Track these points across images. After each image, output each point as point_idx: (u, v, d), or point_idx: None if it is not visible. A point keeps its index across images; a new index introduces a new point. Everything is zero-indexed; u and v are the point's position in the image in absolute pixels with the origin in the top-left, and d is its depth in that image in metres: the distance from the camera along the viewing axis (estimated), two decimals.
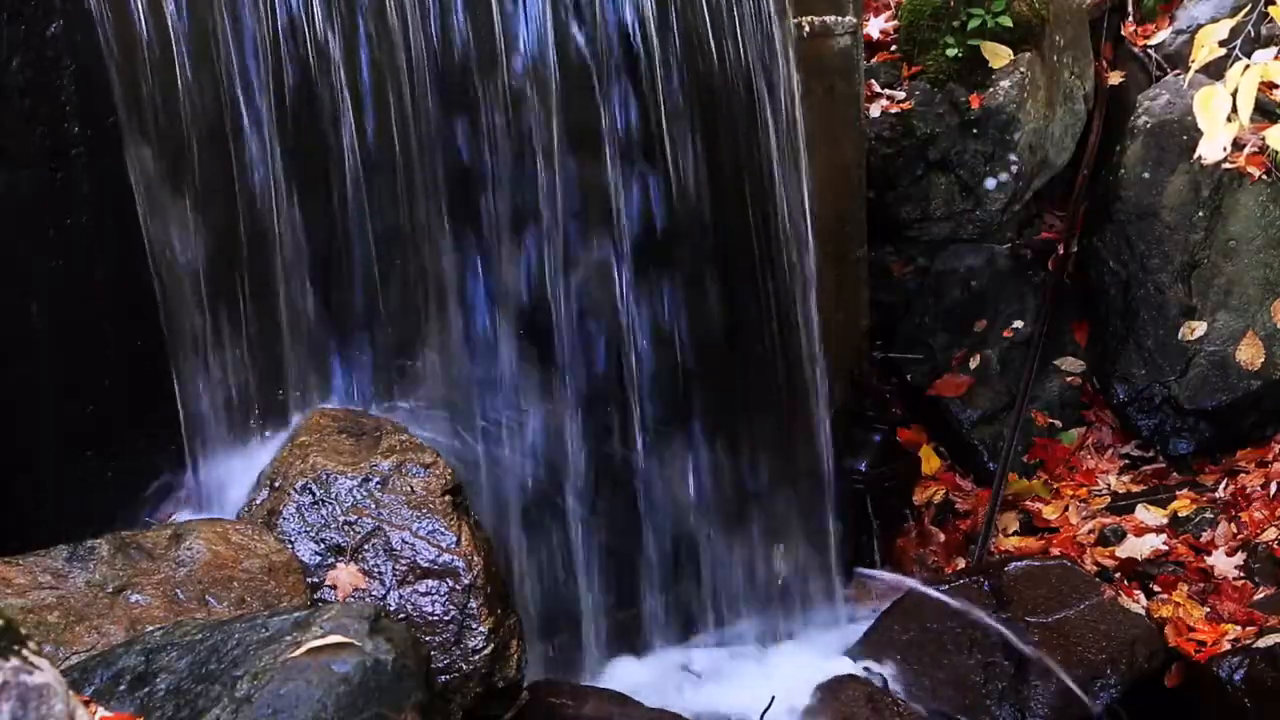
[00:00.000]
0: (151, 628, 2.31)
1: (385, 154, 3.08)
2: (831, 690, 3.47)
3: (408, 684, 1.98)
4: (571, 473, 3.50)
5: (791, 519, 3.96)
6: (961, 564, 4.43)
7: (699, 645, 3.81)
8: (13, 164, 2.62)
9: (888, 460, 4.45)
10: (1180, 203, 4.79)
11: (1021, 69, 4.82)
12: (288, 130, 2.95)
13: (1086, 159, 5.18)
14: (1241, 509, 4.37)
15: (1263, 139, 3.37)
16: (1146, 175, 4.85)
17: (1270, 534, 4.20)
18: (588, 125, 3.36)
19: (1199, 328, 4.69)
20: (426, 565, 2.69)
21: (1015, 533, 4.54)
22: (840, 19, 4.19)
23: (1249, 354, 4.60)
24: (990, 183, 4.87)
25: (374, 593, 2.66)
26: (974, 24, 4.77)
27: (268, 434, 2.99)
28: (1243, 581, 4.11)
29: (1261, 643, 3.58)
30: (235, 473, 2.92)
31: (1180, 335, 4.70)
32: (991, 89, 4.80)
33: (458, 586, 2.68)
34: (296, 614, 2.12)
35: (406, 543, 2.71)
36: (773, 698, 3.41)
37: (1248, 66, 2.52)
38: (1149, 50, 5.24)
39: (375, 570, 2.69)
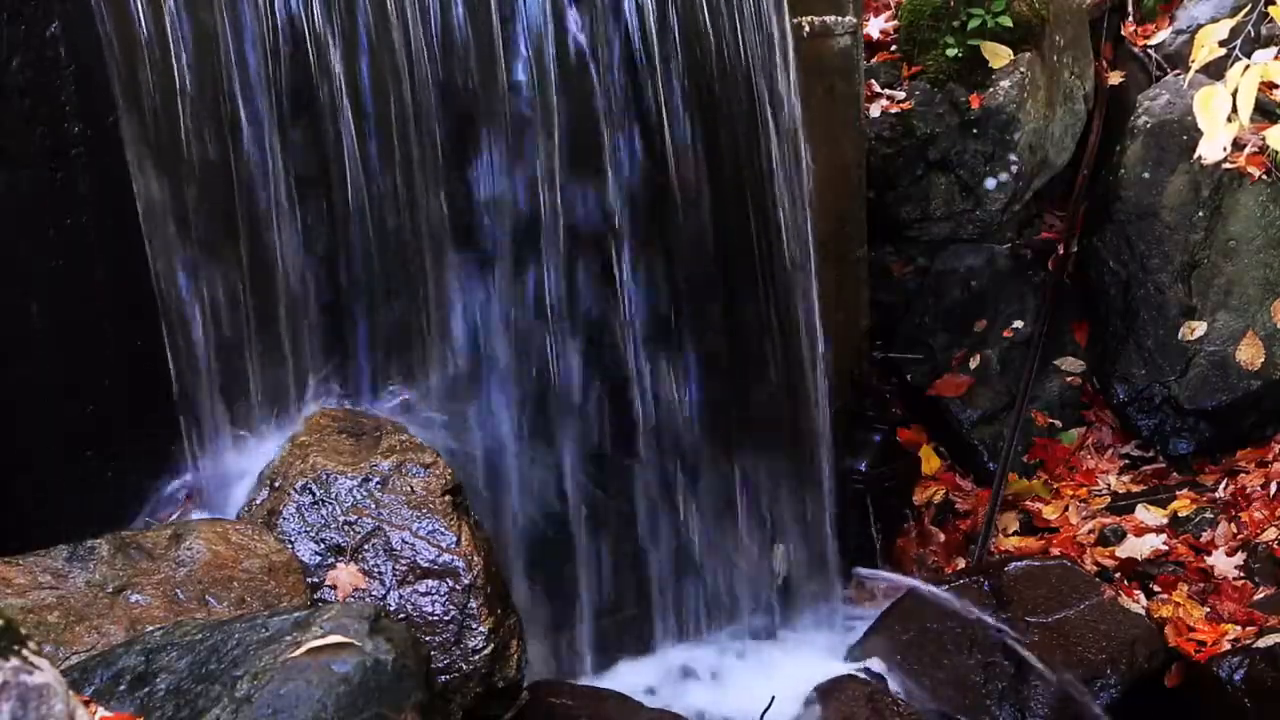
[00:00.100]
0: (151, 628, 2.31)
1: (385, 153, 3.08)
2: (831, 690, 3.47)
3: (408, 684, 1.98)
4: (571, 473, 3.50)
5: (791, 519, 3.96)
6: (961, 564, 4.43)
7: (699, 645, 3.81)
8: (13, 164, 2.62)
9: (888, 460, 4.45)
10: (1180, 203, 4.79)
11: (1021, 69, 4.82)
12: (288, 130, 2.95)
13: (1086, 159, 5.19)
14: (1241, 509, 4.38)
15: (1263, 139, 3.38)
16: (1146, 175, 4.85)
17: (1270, 534, 4.20)
18: (587, 125, 3.36)
19: (1199, 328, 4.69)
20: (426, 565, 2.69)
21: (1015, 533, 4.54)
22: (840, 19, 4.19)
23: (1249, 354, 4.60)
24: (990, 183, 4.87)
25: (374, 593, 2.66)
26: (974, 24, 4.77)
27: (268, 434, 2.99)
28: (1243, 581, 4.11)
29: (1261, 643, 3.58)
30: (235, 473, 2.92)
31: (1180, 335, 4.71)
32: (991, 89, 4.81)
33: (458, 586, 2.68)
34: (296, 614, 2.12)
35: (406, 543, 2.71)
36: (773, 698, 3.41)
37: (1248, 66, 2.52)
38: (1149, 50, 5.24)
39: (375, 570, 2.69)
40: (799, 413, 3.92)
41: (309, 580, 2.65)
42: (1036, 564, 3.99)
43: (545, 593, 3.48)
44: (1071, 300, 5.01)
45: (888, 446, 4.48)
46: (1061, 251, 5.05)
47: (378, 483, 2.79)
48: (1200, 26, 3.09)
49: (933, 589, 3.89)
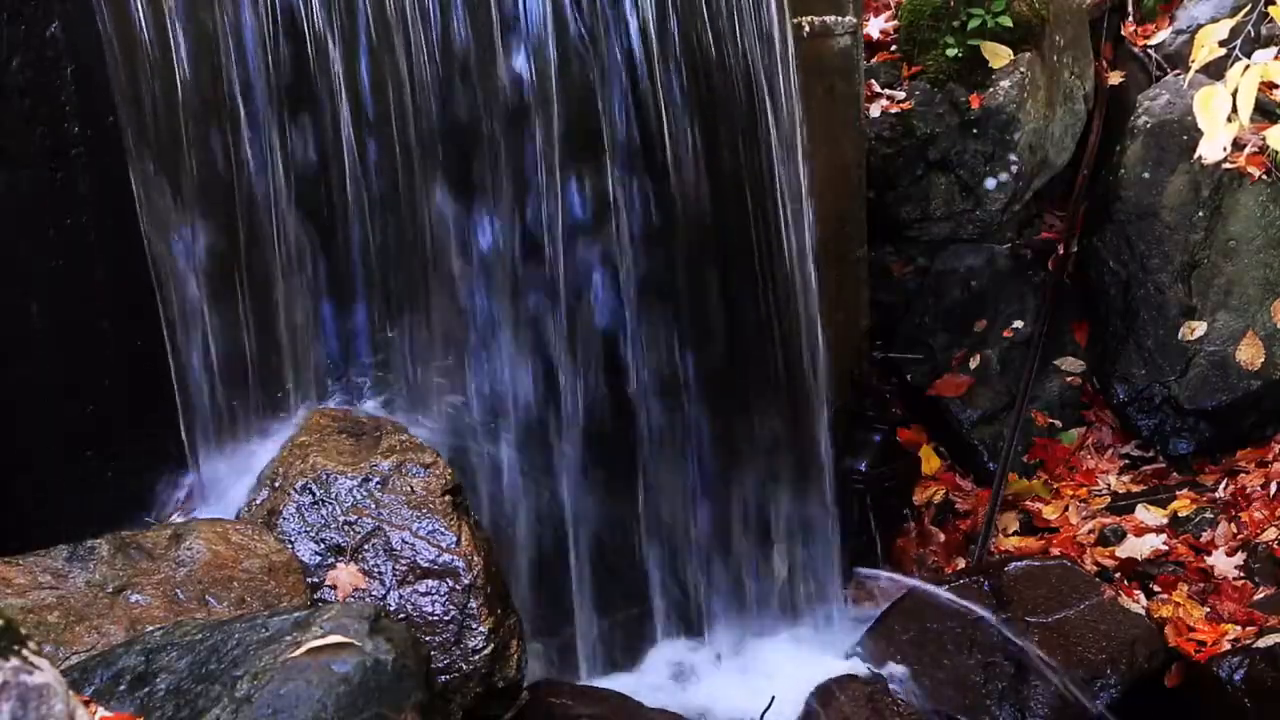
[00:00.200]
0: (151, 628, 2.31)
1: (385, 153, 3.08)
2: (831, 690, 3.47)
3: (408, 684, 1.98)
4: (570, 473, 3.50)
5: (791, 519, 3.96)
6: (961, 564, 4.43)
7: (699, 645, 3.81)
8: (13, 164, 2.62)
9: (888, 460, 4.45)
10: (1180, 203, 4.79)
11: (1021, 69, 4.82)
12: (287, 129, 2.95)
13: (1086, 159, 5.19)
14: (1241, 509, 4.38)
15: (1263, 139, 3.38)
16: (1146, 175, 4.85)
17: (1270, 534, 4.21)
18: (587, 125, 3.36)
19: (1199, 328, 4.69)
20: (426, 565, 2.69)
21: (1015, 533, 4.54)
22: (840, 19, 4.19)
23: (1249, 354, 4.60)
24: (990, 183, 4.87)
25: (374, 593, 2.66)
26: (974, 24, 4.78)
27: (268, 434, 2.99)
28: (1243, 581, 4.11)
29: (1261, 643, 3.58)
30: (235, 473, 2.92)
31: (1180, 335, 4.71)
32: (991, 89, 4.81)
33: (458, 586, 2.68)
34: (296, 614, 2.12)
35: (406, 543, 2.71)
36: (773, 698, 3.41)
37: (1248, 66, 2.52)
38: (1149, 50, 5.24)
39: (375, 570, 2.69)
40: (799, 413, 3.91)
41: (309, 580, 2.65)
42: (1036, 564, 3.99)
43: (545, 593, 3.48)
44: (1071, 300, 5.01)
45: (888, 446, 4.48)
46: (1061, 251, 5.05)
47: (378, 483, 2.79)
48: (1200, 26, 3.09)
49: (933, 589, 3.89)
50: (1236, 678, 3.52)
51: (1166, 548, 4.29)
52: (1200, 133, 2.58)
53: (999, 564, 4.03)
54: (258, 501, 2.80)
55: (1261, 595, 4.03)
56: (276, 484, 2.80)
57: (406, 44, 3.05)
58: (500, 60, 3.20)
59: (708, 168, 3.56)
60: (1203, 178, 4.75)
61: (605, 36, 3.33)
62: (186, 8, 2.77)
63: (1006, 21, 4.77)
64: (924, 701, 3.56)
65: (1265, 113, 4.32)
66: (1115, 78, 5.27)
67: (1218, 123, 2.53)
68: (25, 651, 1.37)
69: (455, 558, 2.70)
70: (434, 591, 2.67)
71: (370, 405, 3.12)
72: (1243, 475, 4.53)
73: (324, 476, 2.79)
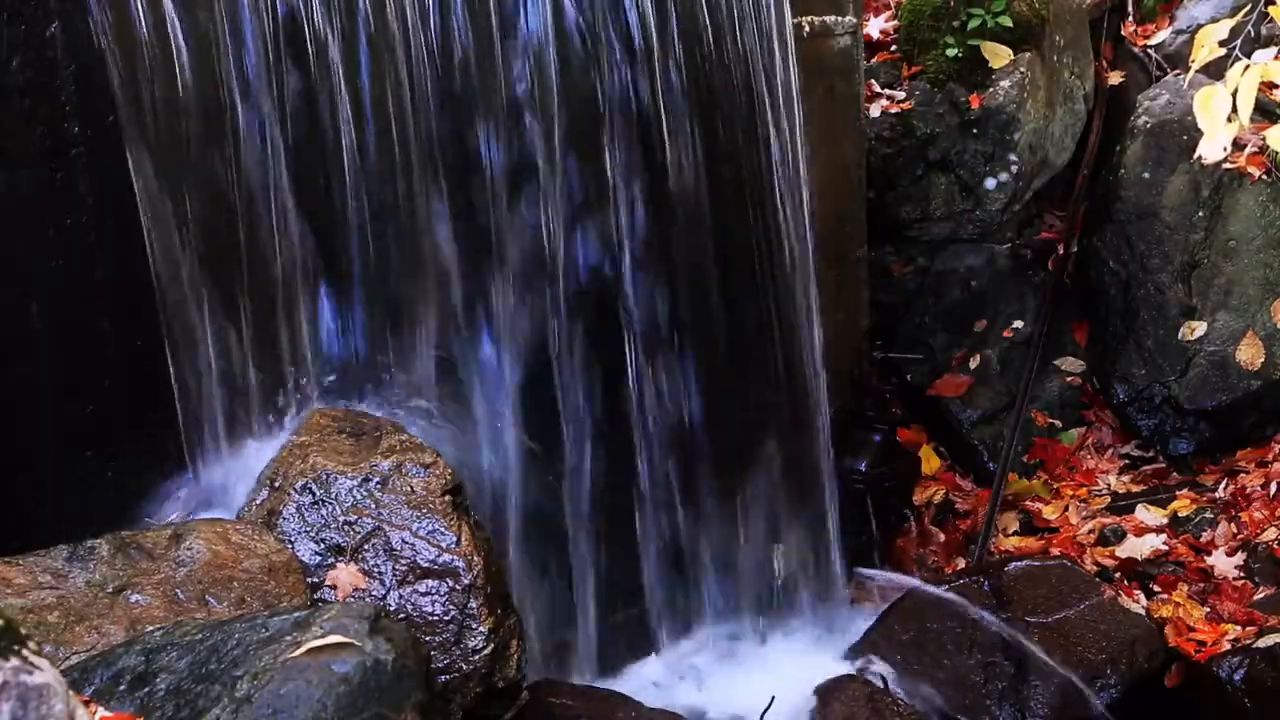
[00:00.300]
0: (151, 628, 2.31)
1: (385, 154, 3.08)
2: (831, 690, 3.47)
3: (408, 684, 1.98)
4: (570, 472, 3.50)
5: (791, 519, 3.96)
6: (961, 564, 4.43)
7: (699, 645, 3.81)
8: (13, 164, 2.62)
9: (888, 460, 4.45)
10: (1180, 203, 4.79)
11: (1021, 69, 4.82)
12: (288, 129, 2.95)
13: (1086, 159, 5.19)
14: (1241, 509, 4.38)
15: (1263, 139, 3.37)
16: (1146, 175, 4.85)
17: (1270, 534, 4.21)
18: (588, 126, 3.36)
19: (1199, 328, 4.69)
20: (426, 565, 2.69)
21: (1015, 533, 4.54)
22: (840, 19, 4.20)
23: (1249, 354, 4.60)
24: (990, 183, 4.87)
25: (374, 593, 2.66)
26: (974, 24, 4.78)
27: (268, 434, 2.99)
28: (1243, 581, 4.11)
29: (1261, 643, 3.58)
30: (235, 473, 2.92)
31: (1180, 335, 4.71)
32: (991, 89, 4.81)
33: (458, 586, 2.68)
34: (296, 614, 2.12)
35: (406, 543, 2.71)
36: (773, 698, 3.41)
37: (1248, 66, 2.52)
38: (1149, 50, 5.24)
39: (375, 570, 2.69)
40: (799, 413, 3.92)
41: (309, 580, 2.65)
42: (1036, 564, 3.99)
43: (546, 593, 3.48)
44: (1071, 300, 5.01)
45: (888, 446, 4.48)
46: (1061, 251, 5.05)
47: (378, 483, 2.79)
48: (1200, 26, 3.09)
49: (933, 589, 3.89)
50: (1236, 678, 3.52)
51: (1166, 548, 4.29)
52: (1200, 133, 2.58)
53: (999, 564, 4.03)
54: (258, 501, 2.80)
55: (1261, 595, 4.03)
56: (276, 484, 2.80)
57: (406, 44, 3.05)
58: (500, 59, 3.20)
59: (708, 168, 3.56)
60: (1203, 178, 4.75)
61: (605, 36, 3.32)
62: (186, 7, 2.77)
63: (1006, 21, 4.77)
64: (924, 701, 3.56)
65: (1265, 113, 4.32)
66: (1115, 78, 5.27)
67: (1218, 123, 2.53)
68: (25, 651, 1.37)
69: (455, 558, 2.70)
70: (434, 591, 2.67)
71: (370, 405, 3.12)
72: (1243, 475, 4.53)
73: (324, 476, 2.79)
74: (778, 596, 3.97)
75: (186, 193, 2.84)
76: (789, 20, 3.67)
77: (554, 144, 3.30)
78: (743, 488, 3.84)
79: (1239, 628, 3.85)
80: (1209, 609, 4.01)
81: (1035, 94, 4.86)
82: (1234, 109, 2.52)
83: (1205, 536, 4.31)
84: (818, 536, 4.00)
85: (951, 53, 4.81)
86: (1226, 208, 4.75)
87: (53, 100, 2.65)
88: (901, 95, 4.86)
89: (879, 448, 4.44)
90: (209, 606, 2.47)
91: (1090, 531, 4.42)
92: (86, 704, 1.66)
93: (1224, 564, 4.17)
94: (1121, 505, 4.53)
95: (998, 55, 4.81)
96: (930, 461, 4.73)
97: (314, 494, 2.77)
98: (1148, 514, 4.43)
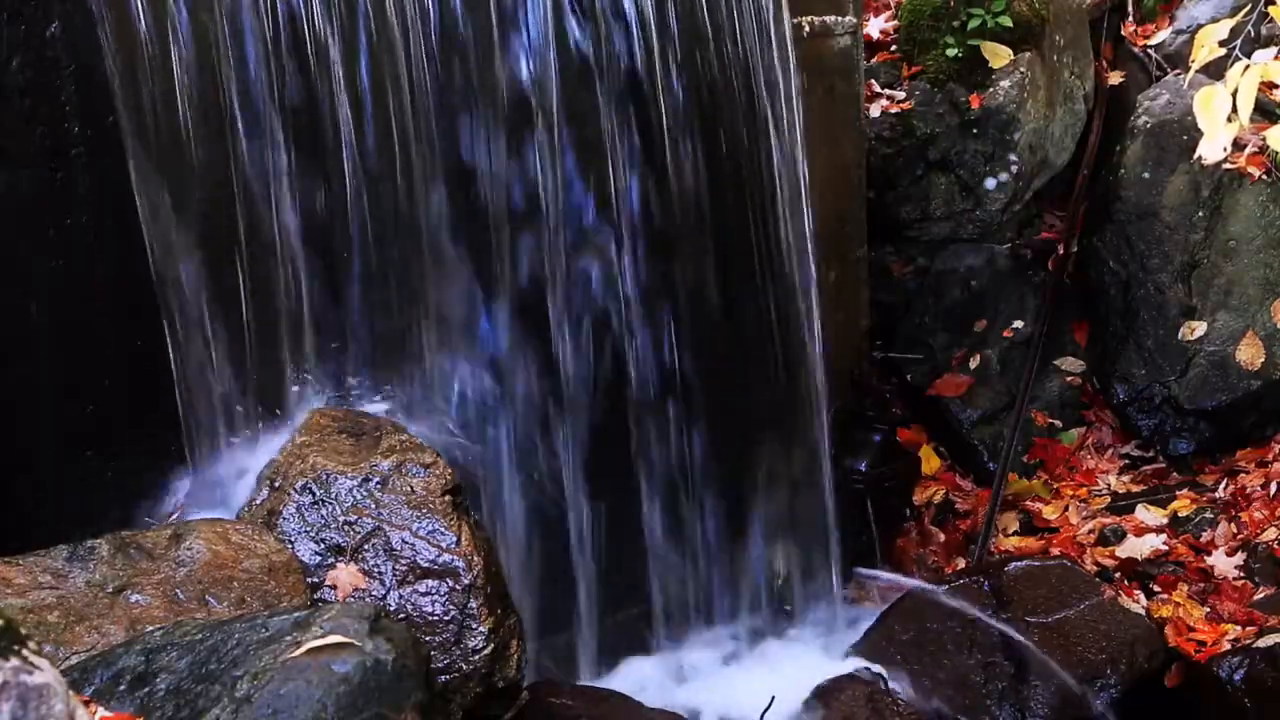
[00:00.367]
0: (151, 628, 2.31)
1: (385, 154, 3.08)
2: (831, 690, 3.47)
3: (408, 684, 1.98)
4: (570, 472, 3.50)
5: (791, 519, 3.96)
6: (961, 564, 4.43)
7: (699, 645, 3.81)
8: (13, 164, 2.62)
9: (888, 460, 4.45)
10: (1180, 203, 4.79)
11: (1021, 69, 4.82)
12: (288, 129, 2.95)
13: (1086, 159, 5.19)
14: (1241, 509, 4.38)
15: (1263, 139, 3.38)
16: (1146, 175, 4.85)
17: (1270, 534, 4.20)
18: (587, 124, 3.36)
19: (1199, 328, 4.69)
20: (426, 565, 2.69)
21: (1015, 533, 4.54)
22: (840, 19, 4.20)
23: (1249, 354, 4.60)
24: (990, 183, 4.87)
25: (374, 593, 2.66)
26: (974, 24, 4.77)
27: (268, 434, 2.99)
28: (1243, 581, 4.11)
29: (1261, 643, 3.58)
30: (235, 473, 2.92)
31: (1180, 335, 4.71)
32: (991, 89, 4.81)
33: (458, 586, 2.68)
34: (296, 614, 2.12)
35: (406, 543, 2.71)
36: (773, 698, 3.41)
37: (1248, 66, 2.52)
38: (1149, 50, 5.24)
39: (375, 570, 2.69)
40: (799, 412, 3.92)
41: (309, 580, 2.65)
42: (1036, 564, 3.99)
43: (545, 593, 3.48)
44: (1071, 300, 5.01)
45: (888, 446, 4.48)
46: (1061, 251, 5.05)
47: (378, 483, 2.79)
48: (1200, 26, 3.09)
49: (933, 589, 3.89)
50: (1236, 678, 3.52)
51: (1166, 548, 4.28)
52: (1200, 133, 2.58)
53: (999, 564, 4.03)
54: (258, 501, 2.80)
55: (1261, 595, 4.03)
56: (276, 484, 2.80)
57: (406, 43, 3.05)
58: (499, 59, 3.20)
59: (708, 167, 3.56)
60: (1203, 178, 4.75)
61: (605, 36, 3.33)
62: (186, 7, 2.77)
63: (1006, 21, 4.77)
64: (924, 701, 3.56)
65: (1265, 113, 4.32)
66: (1115, 78, 5.27)
67: (1218, 123, 2.53)
68: (25, 651, 1.37)
69: (455, 558, 2.70)
70: (434, 591, 2.67)
71: (370, 405, 3.12)
72: (1243, 475, 4.52)
73: (324, 476, 2.79)
74: (778, 596, 3.97)
75: (186, 192, 2.84)
76: (789, 20, 3.67)
77: (554, 144, 3.30)
78: (743, 487, 3.84)
79: (1239, 628, 3.85)
80: (1209, 609, 4.01)
81: (1035, 94, 4.86)
82: (1234, 109, 2.52)
83: (1205, 536, 4.31)
84: (817, 536, 4.00)
85: (951, 53, 4.81)
86: (1226, 208, 4.75)
87: (53, 100, 2.65)
88: (901, 95, 4.86)
89: (879, 448, 4.44)
90: (209, 606, 2.47)
91: (1090, 531, 4.42)
92: (86, 704, 1.66)
93: (1224, 564, 4.17)
94: (1121, 505, 4.53)
95: (998, 55, 4.81)
96: (930, 461, 4.73)
97: (314, 494, 2.77)
98: (1148, 514, 4.43)
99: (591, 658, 3.61)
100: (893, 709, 3.41)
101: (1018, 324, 4.93)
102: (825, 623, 4.01)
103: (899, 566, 4.39)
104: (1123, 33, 5.34)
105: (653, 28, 3.37)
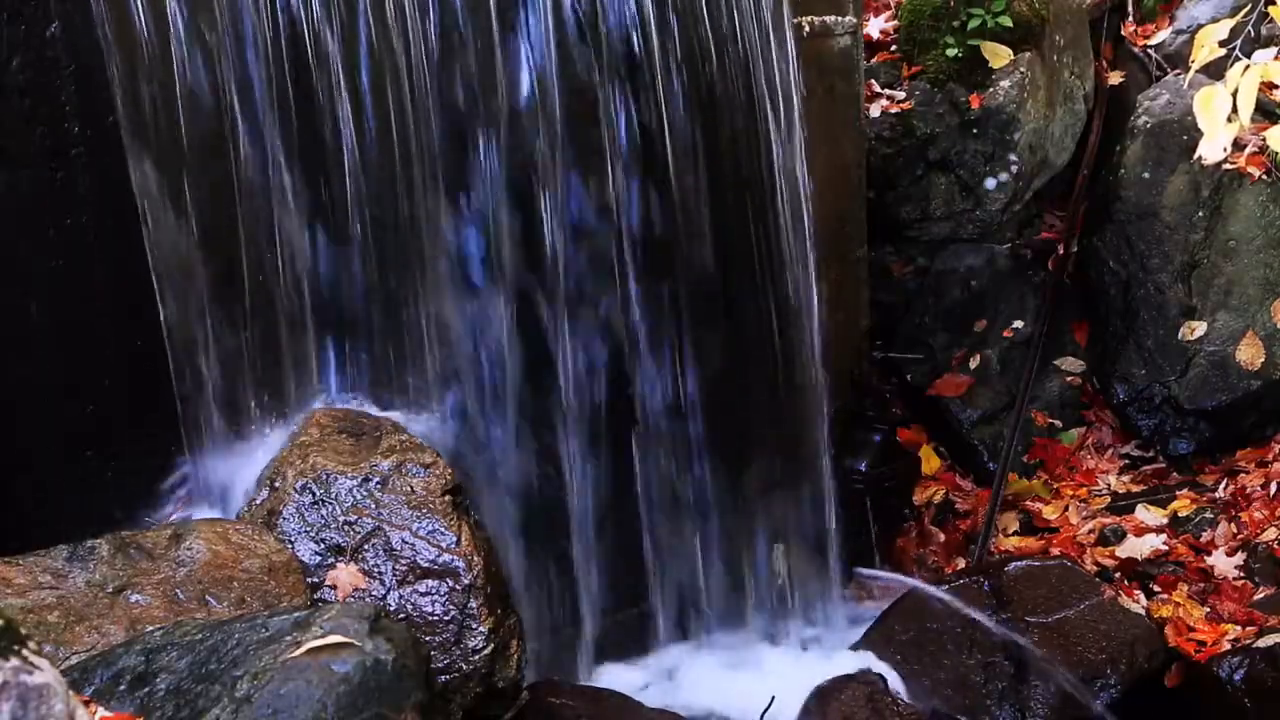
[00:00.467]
0: (151, 628, 2.31)
1: (385, 155, 3.08)
2: (831, 690, 3.46)
3: (408, 684, 1.98)
4: (571, 473, 3.50)
5: (791, 519, 3.96)
6: (961, 564, 4.43)
7: (699, 645, 3.81)
8: (13, 164, 2.62)
9: (888, 460, 4.45)
10: (1180, 203, 4.79)
11: (1021, 69, 4.82)
12: (288, 129, 2.95)
13: (1086, 159, 5.19)
14: (1241, 509, 4.37)
15: (1263, 139, 3.38)
16: (1146, 175, 4.85)
17: (1270, 534, 4.20)
18: (587, 125, 3.36)
19: (1199, 328, 4.69)
20: (426, 565, 2.69)
21: (1015, 533, 4.54)
22: (840, 19, 4.19)
23: (1249, 354, 4.60)
24: (990, 183, 4.87)
25: (374, 593, 2.66)
26: (974, 24, 4.77)
27: (268, 434, 2.99)
28: (1243, 581, 4.11)
29: (1261, 643, 3.58)
30: (235, 473, 2.92)
31: (1180, 335, 4.71)
32: (991, 89, 4.80)
33: (458, 586, 2.68)
34: (296, 614, 2.12)
35: (406, 543, 2.71)
36: (773, 698, 3.41)
37: (1248, 66, 2.52)
38: (1149, 50, 5.24)
39: (375, 570, 2.69)
40: (799, 413, 3.92)
41: (309, 580, 2.65)
42: (1036, 564, 3.99)
43: (545, 593, 3.48)
44: (1071, 300, 5.01)
45: (888, 446, 4.48)
46: (1061, 251, 5.05)
47: (378, 483, 2.79)
48: (1200, 26, 3.09)
49: (933, 589, 3.89)
50: (1236, 678, 3.52)
51: (1166, 548, 4.28)
52: (1200, 133, 2.58)
53: (999, 564, 4.03)
54: (258, 501, 2.80)
55: (1261, 595, 4.03)
56: (276, 484, 2.81)
57: (405, 43, 3.05)
58: (499, 58, 3.20)
59: (708, 167, 3.56)
60: (1203, 178, 4.75)
61: (605, 36, 3.32)
62: (187, 7, 2.77)
63: (1006, 21, 4.77)
64: (924, 701, 3.56)
65: (1265, 113, 4.32)
66: (1115, 78, 5.27)
67: (1218, 123, 2.53)
68: (25, 651, 1.37)
69: (455, 558, 2.70)
70: (434, 591, 2.68)
71: (370, 405, 3.12)
72: (1243, 475, 4.52)
73: (324, 476, 2.79)
74: (778, 596, 3.97)
75: (186, 192, 2.84)
76: (789, 20, 3.67)
77: (553, 143, 3.30)
78: (743, 487, 3.84)
79: (1239, 628, 3.85)
80: (1209, 609, 4.01)
81: (1035, 94, 4.86)
82: (1234, 109, 2.52)
83: (1205, 536, 4.31)
84: (818, 536, 4.00)
85: (951, 53, 4.81)
86: (1226, 208, 4.75)
87: (53, 100, 2.65)
88: (901, 95, 4.86)
89: (879, 448, 4.44)
90: (209, 606, 2.47)
91: (1090, 531, 4.42)
92: (86, 704, 1.66)
93: (1224, 564, 4.17)
94: (1121, 505, 4.53)
95: (998, 55, 4.81)
96: (930, 461, 4.73)
97: (314, 494, 2.77)
98: (1148, 514, 4.43)
99: (591, 658, 3.61)
100: (892, 709, 3.41)
101: (1018, 324, 4.93)
102: (825, 622, 4.01)
103: (899, 566, 4.39)
104: (1123, 33, 5.34)
105: (652, 27, 3.37)
